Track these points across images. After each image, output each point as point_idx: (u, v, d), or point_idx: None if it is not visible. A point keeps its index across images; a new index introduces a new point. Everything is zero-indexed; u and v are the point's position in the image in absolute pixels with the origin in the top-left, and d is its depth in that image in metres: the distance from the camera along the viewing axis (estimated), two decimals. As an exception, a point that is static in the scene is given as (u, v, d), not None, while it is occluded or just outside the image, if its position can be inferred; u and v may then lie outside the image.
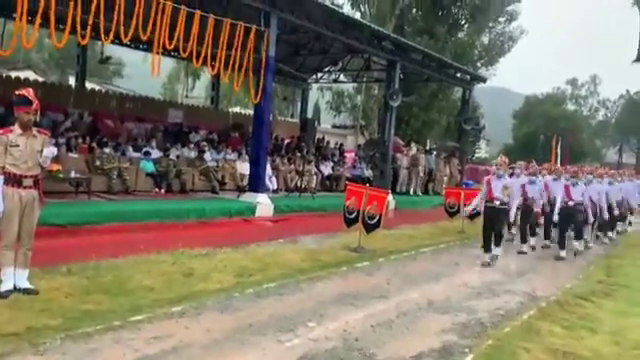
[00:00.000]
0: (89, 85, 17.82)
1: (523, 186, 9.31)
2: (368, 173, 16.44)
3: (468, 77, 19.36)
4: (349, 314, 4.86)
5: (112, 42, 12.28)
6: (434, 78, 18.77)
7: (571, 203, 9.29)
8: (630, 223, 14.26)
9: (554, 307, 5.72)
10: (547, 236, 10.26)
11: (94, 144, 10.75)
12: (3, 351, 3.38)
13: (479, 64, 29.50)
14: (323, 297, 5.36)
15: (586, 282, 7.28)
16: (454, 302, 5.64)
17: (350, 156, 18.78)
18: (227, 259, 6.57)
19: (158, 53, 8.80)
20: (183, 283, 5.36)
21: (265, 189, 11.21)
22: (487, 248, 8.15)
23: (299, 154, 15.01)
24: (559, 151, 24.41)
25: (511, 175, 9.14)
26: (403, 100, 15.35)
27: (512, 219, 8.78)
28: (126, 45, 14.48)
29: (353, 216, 8.59)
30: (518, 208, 9.06)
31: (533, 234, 10.01)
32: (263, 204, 10.46)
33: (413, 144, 22.79)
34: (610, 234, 11.80)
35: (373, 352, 3.94)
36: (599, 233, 11.44)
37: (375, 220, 8.40)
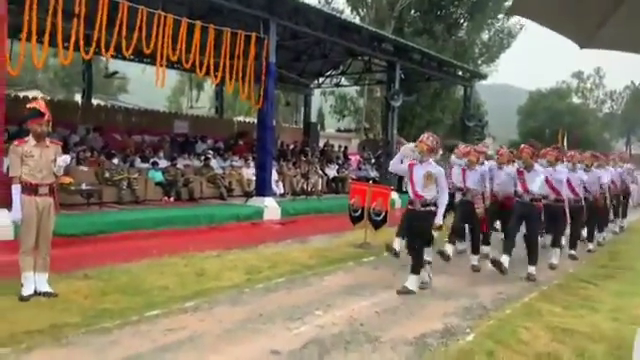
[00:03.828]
0: (95, 101, 18.19)
1: (463, 171, 7.20)
2: (374, 174, 16.62)
3: (468, 75, 19.51)
4: (355, 303, 5.04)
5: (115, 57, 12.65)
6: (435, 77, 18.95)
7: (527, 197, 6.60)
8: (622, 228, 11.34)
9: (555, 290, 5.87)
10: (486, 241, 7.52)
11: (102, 157, 11.04)
12: (29, 345, 3.61)
13: (480, 61, 29.64)
14: (330, 289, 5.55)
15: (589, 267, 7.41)
16: (458, 289, 5.81)
17: (355, 158, 18.98)
18: (237, 259, 6.78)
19: (162, 65, 9.08)
20: (195, 282, 5.58)
21: (272, 193, 11.43)
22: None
23: (304, 158, 15.24)
24: (565, 144, 24.46)
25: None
26: (404, 100, 15.53)
27: (439, 222, 5.61)
28: (129, 59, 14.78)
29: (358, 214, 8.78)
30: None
31: (484, 242, 7.37)
32: (270, 207, 10.67)
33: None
34: (591, 244, 8.86)
35: (378, 335, 4.12)
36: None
37: (381, 216, 8.56)
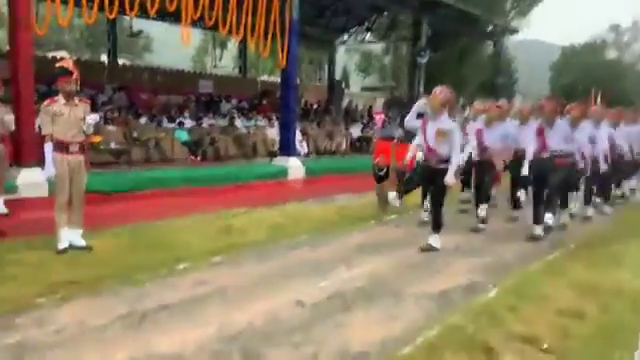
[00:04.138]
0: (121, 61, 18.31)
1: (479, 131, 6.75)
2: (399, 133, 16.45)
3: (498, 30, 18.86)
4: (377, 260, 5.11)
5: (139, 16, 12.63)
6: (463, 33, 18.42)
7: (545, 154, 6.23)
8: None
9: (580, 248, 5.83)
10: (515, 204, 7.54)
11: (130, 116, 11.22)
12: (65, 295, 3.80)
13: (511, 16, 28.57)
14: (353, 246, 5.63)
15: (615, 224, 7.30)
16: (481, 247, 5.82)
17: (380, 117, 18.78)
18: (262, 217, 6.89)
19: (187, 23, 9.04)
20: (222, 238, 5.72)
21: (296, 153, 11.48)
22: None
23: (328, 117, 15.18)
24: (599, 103, 23.69)
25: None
26: (431, 57, 15.18)
27: (450, 181, 5.40)
28: (153, 18, 14.73)
29: (383, 173, 8.74)
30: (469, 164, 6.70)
31: (514, 206, 7.51)
32: (294, 167, 10.75)
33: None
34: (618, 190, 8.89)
35: (400, 289, 4.19)
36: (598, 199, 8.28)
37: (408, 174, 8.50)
